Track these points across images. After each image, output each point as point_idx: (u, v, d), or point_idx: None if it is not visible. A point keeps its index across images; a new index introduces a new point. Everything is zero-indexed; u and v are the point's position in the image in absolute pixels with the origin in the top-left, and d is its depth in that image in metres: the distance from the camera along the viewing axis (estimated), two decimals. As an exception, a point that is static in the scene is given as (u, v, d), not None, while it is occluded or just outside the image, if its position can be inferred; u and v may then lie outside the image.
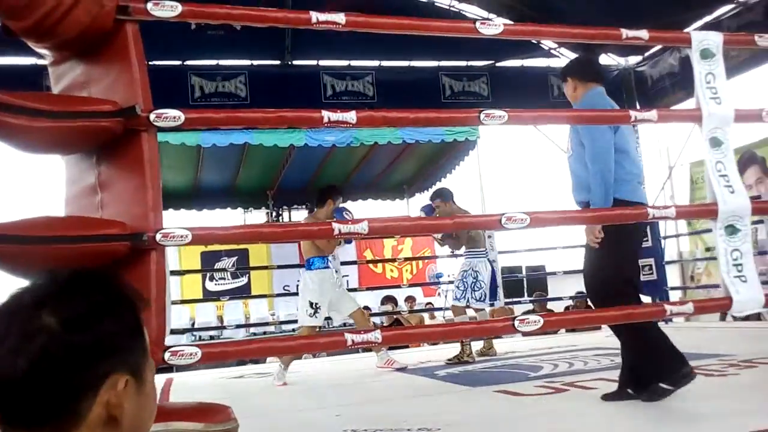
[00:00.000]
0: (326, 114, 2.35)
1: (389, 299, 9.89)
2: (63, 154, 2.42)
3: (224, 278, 11.93)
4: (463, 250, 5.98)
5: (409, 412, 3.52)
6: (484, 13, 9.78)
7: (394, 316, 8.89)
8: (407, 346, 7.33)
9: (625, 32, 2.60)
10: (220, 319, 11.27)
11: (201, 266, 11.19)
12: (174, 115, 2.30)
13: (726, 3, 9.01)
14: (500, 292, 6.15)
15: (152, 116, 2.27)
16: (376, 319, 9.86)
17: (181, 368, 5.01)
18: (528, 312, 6.65)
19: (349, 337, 2.21)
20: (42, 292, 0.86)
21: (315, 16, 2.39)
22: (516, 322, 2.28)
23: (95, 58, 2.36)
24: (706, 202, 2.59)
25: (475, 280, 5.72)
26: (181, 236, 2.23)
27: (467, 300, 5.76)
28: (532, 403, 3.49)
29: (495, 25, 2.47)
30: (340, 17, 2.40)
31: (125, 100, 2.29)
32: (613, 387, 3.43)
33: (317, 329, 5.49)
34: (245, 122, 2.52)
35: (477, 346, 5.91)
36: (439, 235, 6.10)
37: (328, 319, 6.44)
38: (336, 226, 2.30)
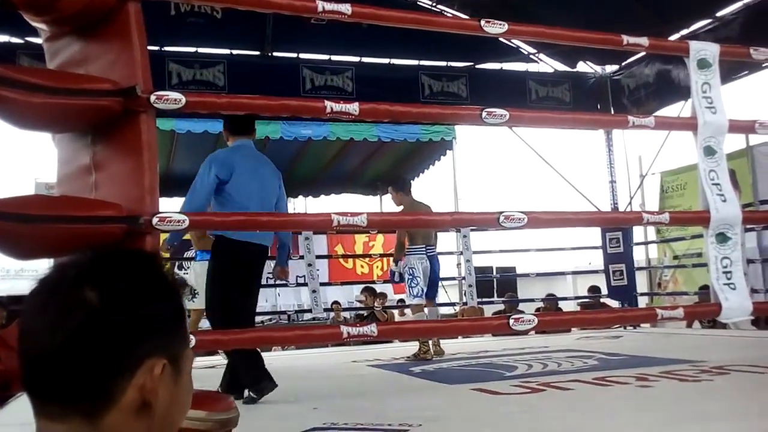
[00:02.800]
0: (329, 104, 2.33)
1: (368, 290, 9.78)
2: (58, 131, 2.36)
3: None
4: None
5: (388, 407, 3.51)
6: (465, 16, 9.82)
7: (370, 311, 8.86)
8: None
9: (626, 39, 2.63)
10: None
11: (169, 255, 11.04)
12: (175, 98, 2.26)
13: (703, 17, 9.19)
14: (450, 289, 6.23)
15: (152, 97, 2.23)
16: (347, 314, 9.85)
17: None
18: (518, 312, 6.70)
19: (345, 329, 2.20)
20: (85, 268, 0.84)
21: (321, 4, 2.37)
22: (511, 321, 2.29)
23: (95, 36, 2.31)
24: (699, 210, 2.63)
25: (411, 277, 5.77)
26: (178, 221, 2.20)
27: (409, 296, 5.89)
28: (510, 401, 3.51)
29: (499, 25, 2.48)
30: (346, 8, 2.39)
31: (125, 79, 2.24)
32: (588, 388, 3.51)
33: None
34: (247, 108, 2.49)
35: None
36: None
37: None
38: (335, 217, 2.28)
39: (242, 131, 3.99)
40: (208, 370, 5.77)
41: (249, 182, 3.79)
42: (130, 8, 2.27)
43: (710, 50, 2.72)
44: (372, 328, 2.21)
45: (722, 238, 2.54)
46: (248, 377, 3.72)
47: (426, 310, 5.88)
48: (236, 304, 3.81)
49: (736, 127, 2.71)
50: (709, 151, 2.60)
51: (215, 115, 8.02)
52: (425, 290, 5.78)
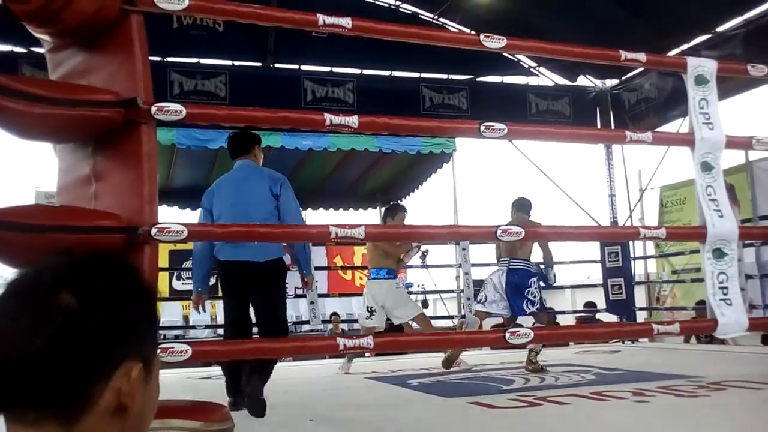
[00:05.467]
0: (329, 117, 2.35)
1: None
2: (59, 142, 2.38)
3: (192, 278, 11.81)
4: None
5: (385, 420, 3.52)
6: (466, 29, 9.88)
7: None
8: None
9: (624, 54, 2.65)
10: (186, 318, 11.14)
11: (168, 264, 11.05)
12: (175, 109, 2.28)
13: (703, 33, 9.24)
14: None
15: (153, 109, 2.25)
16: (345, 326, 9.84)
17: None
18: (517, 325, 6.67)
19: (341, 341, 2.20)
20: (62, 272, 0.83)
21: (322, 18, 2.38)
22: (507, 335, 2.30)
23: (97, 47, 2.33)
24: (696, 225, 2.64)
25: (484, 286, 5.97)
26: (177, 232, 2.21)
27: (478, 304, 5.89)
28: (507, 415, 3.50)
29: (498, 40, 2.50)
30: (346, 21, 2.41)
31: (126, 91, 2.26)
32: (585, 402, 3.51)
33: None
34: (247, 120, 2.51)
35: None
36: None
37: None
38: (333, 229, 2.30)
39: (237, 154, 4.23)
40: (204, 381, 5.78)
41: (224, 204, 3.99)
42: (133, 21, 2.29)
43: (708, 67, 2.74)
44: (369, 341, 2.21)
45: (719, 253, 2.55)
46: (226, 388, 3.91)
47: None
48: (234, 321, 4.03)
49: (733, 143, 2.73)
50: (706, 167, 2.62)
51: (216, 126, 8.06)
52: (505, 304, 5.65)
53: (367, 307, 5.96)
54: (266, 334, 3.83)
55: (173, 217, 12.29)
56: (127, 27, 2.28)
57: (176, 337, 9.86)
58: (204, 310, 4.37)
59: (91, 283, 0.83)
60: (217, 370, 6.64)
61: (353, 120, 2.34)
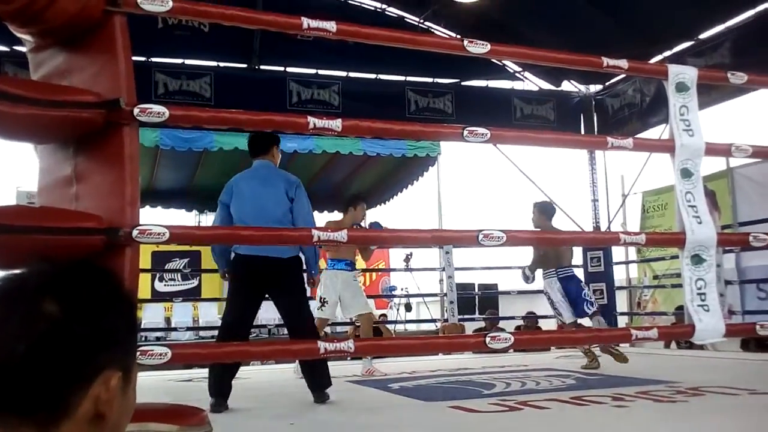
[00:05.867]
0: (312, 120, 2.35)
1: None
2: (40, 142, 2.36)
3: (174, 279, 11.74)
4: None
5: (364, 424, 3.51)
6: (452, 33, 9.92)
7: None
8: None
9: (606, 60, 2.68)
10: (168, 320, 11.07)
11: (151, 266, 10.98)
12: (158, 111, 2.27)
13: (686, 40, 9.33)
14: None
15: (136, 110, 2.24)
16: (329, 329, 9.81)
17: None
18: (498, 329, 6.75)
19: (322, 345, 2.20)
20: (45, 279, 0.84)
21: (306, 22, 2.39)
22: (488, 339, 2.31)
23: (79, 48, 2.32)
24: (675, 231, 2.67)
25: (551, 301, 6.02)
26: (159, 234, 2.20)
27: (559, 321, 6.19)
28: (487, 419, 3.51)
29: (482, 45, 2.52)
30: (330, 25, 2.41)
31: (108, 92, 2.25)
32: (565, 407, 3.53)
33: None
34: (231, 122, 2.50)
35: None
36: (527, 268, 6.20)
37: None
38: (315, 233, 2.30)
39: (256, 153, 4.25)
40: (184, 383, 5.74)
41: (244, 199, 4.03)
42: (116, 21, 2.28)
43: (689, 74, 2.77)
44: (349, 344, 2.22)
45: (697, 259, 2.58)
46: (210, 388, 3.93)
47: (591, 323, 5.99)
48: (239, 316, 4.03)
49: (712, 150, 2.76)
50: (686, 174, 2.65)
51: (201, 128, 8.03)
52: (571, 309, 5.87)
53: (320, 298, 5.89)
54: (297, 333, 3.90)
55: (157, 218, 12.26)
56: (110, 28, 2.27)
57: (157, 339, 9.80)
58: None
59: (73, 292, 0.84)
60: (197, 373, 6.61)
61: (337, 123, 2.35)
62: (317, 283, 4.60)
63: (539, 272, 6.02)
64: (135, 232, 2.13)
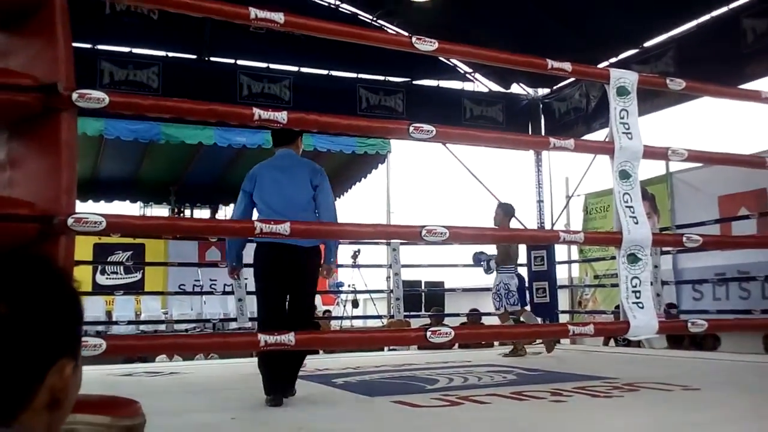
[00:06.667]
0: (257, 112, 2.33)
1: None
2: (-27, 126, 2.28)
3: (116, 272, 11.48)
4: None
5: (307, 419, 3.50)
6: (405, 33, 9.96)
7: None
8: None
9: (551, 63, 2.73)
10: (109, 314, 10.82)
11: (93, 258, 10.72)
12: (98, 97, 2.22)
13: (631, 47, 9.58)
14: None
15: (74, 95, 2.18)
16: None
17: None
18: (443, 325, 7.03)
19: (262, 338, 2.19)
20: None
21: (254, 12, 2.37)
22: (428, 333, 2.33)
23: (17, 30, 2.25)
24: (612, 231, 2.74)
25: (507, 291, 6.43)
26: (95, 222, 2.15)
27: (504, 306, 6.51)
28: (429, 414, 3.54)
29: (430, 42, 2.53)
30: (278, 16, 2.39)
31: (46, 76, 2.19)
32: (505, 402, 3.59)
33: None
34: (173, 111, 2.46)
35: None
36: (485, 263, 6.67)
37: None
38: (258, 225, 2.28)
39: (280, 143, 4.23)
40: (124, 378, 5.63)
41: (268, 188, 4.03)
42: (56, 3, 2.22)
43: (629, 78, 2.85)
44: (290, 337, 2.21)
45: (633, 258, 2.65)
46: (264, 383, 3.91)
47: (522, 316, 6.46)
48: (277, 304, 4.03)
49: (650, 153, 2.84)
50: (624, 175, 2.72)
51: (147, 117, 7.87)
52: (520, 301, 6.51)
53: None
54: (298, 323, 3.80)
55: (100, 210, 11.93)
56: (50, 10, 2.20)
57: (98, 333, 9.56)
58: (238, 278, 4.33)
59: (20, 286, 0.84)
60: (138, 367, 6.49)
61: (282, 116, 2.33)
62: (332, 271, 4.46)
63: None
64: (70, 221, 2.08)
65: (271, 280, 4.00)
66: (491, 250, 6.53)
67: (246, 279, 9.06)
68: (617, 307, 7.70)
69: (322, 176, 4.11)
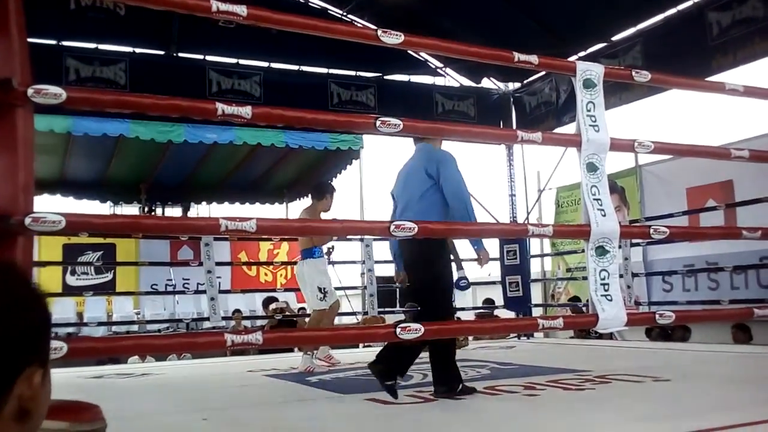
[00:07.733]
0: (221, 106, 2.28)
1: (273, 300, 9.63)
2: (-77, 123, 2.20)
3: (87, 273, 11.31)
4: None
5: (279, 418, 3.48)
6: (373, 27, 9.93)
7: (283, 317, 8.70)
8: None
9: (517, 55, 2.71)
10: (80, 315, 10.65)
11: (63, 259, 10.54)
12: (55, 92, 2.15)
13: (599, 41, 9.65)
14: None
15: (30, 91, 2.11)
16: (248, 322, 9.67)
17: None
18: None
19: (229, 337, 2.15)
20: None
21: (216, 4, 2.31)
22: (398, 330, 2.31)
23: (-31, 24, 2.17)
24: (581, 224, 2.74)
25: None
26: (54, 222, 2.09)
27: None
28: (402, 410, 3.53)
29: (396, 35, 2.51)
30: (241, 9, 2.35)
31: (0, 71, 2.12)
32: (478, 397, 3.61)
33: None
34: (134, 107, 2.40)
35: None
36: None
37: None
38: (223, 222, 2.23)
39: (421, 138, 4.05)
40: (93, 380, 5.54)
41: (397, 185, 4.10)
42: (9, -4, 2.15)
43: (595, 71, 2.85)
44: (257, 336, 2.17)
45: (601, 251, 2.65)
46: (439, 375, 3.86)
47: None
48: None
49: (617, 145, 2.84)
50: (592, 168, 2.72)
51: (114, 114, 7.74)
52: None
53: (319, 288, 5.85)
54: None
55: (69, 209, 11.74)
56: (3, 3, 2.14)
57: (69, 335, 9.41)
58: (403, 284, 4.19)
59: None
60: (109, 369, 6.39)
61: (246, 110, 2.29)
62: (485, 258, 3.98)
63: None
64: (28, 220, 2.02)
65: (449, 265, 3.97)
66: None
67: (219, 278, 9.01)
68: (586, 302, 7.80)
69: (440, 164, 3.87)
